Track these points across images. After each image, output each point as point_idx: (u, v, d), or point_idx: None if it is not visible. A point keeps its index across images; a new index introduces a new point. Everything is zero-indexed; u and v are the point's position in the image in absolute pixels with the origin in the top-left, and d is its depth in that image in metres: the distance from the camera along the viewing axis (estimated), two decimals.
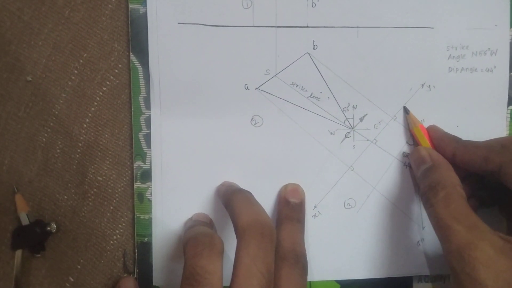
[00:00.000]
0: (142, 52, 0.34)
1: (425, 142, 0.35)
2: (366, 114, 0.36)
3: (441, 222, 0.29)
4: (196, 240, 0.28)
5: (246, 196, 0.31)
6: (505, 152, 0.31)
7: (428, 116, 0.37)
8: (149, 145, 0.35)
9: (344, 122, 0.36)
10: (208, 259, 0.27)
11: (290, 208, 0.34)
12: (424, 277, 0.38)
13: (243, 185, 0.34)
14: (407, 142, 0.37)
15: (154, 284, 0.35)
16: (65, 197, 0.35)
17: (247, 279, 0.26)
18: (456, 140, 0.34)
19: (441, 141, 0.35)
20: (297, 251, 0.31)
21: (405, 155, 0.37)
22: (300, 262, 0.31)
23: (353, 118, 0.36)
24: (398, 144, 0.37)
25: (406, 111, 0.36)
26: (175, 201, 0.35)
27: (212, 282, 0.26)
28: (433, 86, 0.36)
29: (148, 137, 0.35)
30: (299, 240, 0.33)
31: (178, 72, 0.34)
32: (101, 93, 0.35)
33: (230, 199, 0.31)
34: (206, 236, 0.29)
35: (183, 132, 0.35)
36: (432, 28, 0.36)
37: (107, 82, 0.35)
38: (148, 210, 0.35)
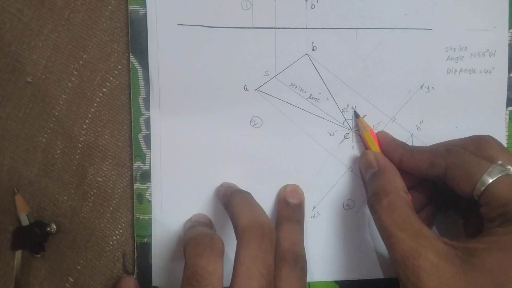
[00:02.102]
0: (141, 53, 0.34)
1: (375, 146, 0.35)
2: (365, 115, 0.36)
3: (386, 230, 0.29)
4: (196, 240, 0.28)
5: (245, 197, 0.32)
6: (449, 155, 0.31)
7: (427, 117, 0.37)
8: (148, 146, 0.35)
9: (343, 123, 0.36)
10: (208, 259, 0.27)
11: (290, 208, 0.34)
12: None
13: (242, 186, 0.35)
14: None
15: (153, 284, 0.35)
16: (65, 197, 0.35)
17: (247, 280, 0.26)
18: (403, 146, 0.34)
19: (388, 146, 0.34)
20: (297, 252, 0.32)
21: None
22: (299, 263, 0.31)
23: (352, 119, 0.36)
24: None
25: (356, 115, 0.36)
26: (175, 202, 0.35)
27: (213, 282, 0.26)
28: (432, 87, 0.37)
29: (147, 138, 0.35)
30: (299, 240, 0.33)
31: (178, 73, 0.34)
32: (100, 94, 0.35)
33: (230, 200, 0.31)
34: (206, 236, 0.29)
35: (182, 133, 0.35)
36: (431, 29, 0.36)
37: (107, 83, 0.35)
38: (148, 211, 0.35)
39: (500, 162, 0.29)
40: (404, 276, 0.27)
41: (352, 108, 0.36)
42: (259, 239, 0.27)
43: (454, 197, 0.32)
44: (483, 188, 0.28)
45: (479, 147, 0.31)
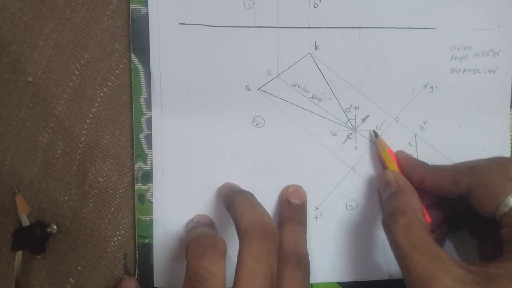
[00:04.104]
0: (143, 52, 0.34)
1: (393, 166, 0.34)
2: (368, 115, 0.36)
3: (402, 251, 0.28)
4: (198, 241, 0.28)
5: (247, 197, 0.31)
6: (472, 173, 0.30)
7: (430, 117, 0.36)
8: (150, 146, 0.34)
9: (346, 123, 0.36)
10: (210, 260, 0.27)
11: (292, 209, 0.34)
12: None
13: (244, 186, 0.34)
14: (409, 143, 0.36)
15: (155, 285, 0.35)
16: (66, 198, 0.35)
17: (250, 281, 0.26)
18: (424, 165, 0.34)
19: (408, 166, 0.34)
20: (299, 252, 0.31)
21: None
22: (302, 263, 0.31)
23: (355, 119, 0.36)
24: (400, 145, 0.36)
25: (375, 135, 0.36)
26: (176, 202, 0.35)
27: (215, 283, 0.26)
28: (436, 87, 0.36)
29: (149, 138, 0.34)
30: (301, 241, 0.33)
31: (179, 73, 0.34)
32: (102, 94, 0.34)
33: (232, 200, 0.31)
34: (208, 237, 0.28)
35: (184, 133, 0.35)
36: (435, 29, 0.36)
37: (108, 83, 0.34)
38: (149, 211, 0.35)
39: None
40: None
41: (355, 108, 0.36)
42: (261, 240, 0.27)
43: (470, 216, 0.31)
44: (506, 210, 0.28)
45: (502, 168, 0.31)
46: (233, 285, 0.26)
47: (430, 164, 0.34)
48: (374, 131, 0.36)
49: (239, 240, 0.28)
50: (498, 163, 0.31)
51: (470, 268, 0.27)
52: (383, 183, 0.34)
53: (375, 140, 0.36)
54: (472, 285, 0.26)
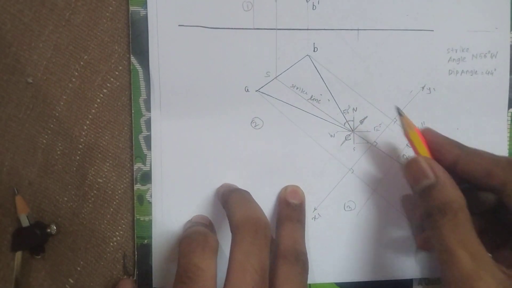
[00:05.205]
0: (142, 54, 0.34)
1: (423, 149, 0.31)
2: (366, 117, 0.36)
3: (446, 246, 0.27)
4: (190, 238, 0.28)
5: (242, 195, 0.32)
6: (511, 169, 0.28)
7: (428, 119, 0.36)
8: (149, 147, 0.35)
9: (344, 125, 0.36)
10: (201, 256, 0.27)
11: (291, 208, 0.34)
12: (424, 280, 0.38)
13: (243, 187, 0.34)
14: (407, 145, 0.36)
15: (153, 286, 0.35)
16: (65, 199, 0.35)
17: (240, 276, 0.26)
18: (459, 146, 0.31)
19: (441, 147, 0.31)
20: (297, 250, 0.31)
21: (405, 158, 0.36)
22: (300, 260, 0.31)
23: (353, 121, 0.36)
24: (399, 147, 0.37)
25: (399, 112, 0.33)
26: (175, 203, 0.35)
27: (205, 279, 0.26)
28: (433, 88, 0.36)
29: (148, 139, 0.35)
30: (299, 239, 0.33)
31: (179, 74, 0.34)
32: (101, 95, 0.35)
33: (227, 198, 0.31)
34: (199, 234, 0.29)
35: (183, 134, 0.35)
36: (432, 30, 0.36)
37: (108, 84, 0.35)
38: (148, 212, 0.35)
39: None
40: None
41: (354, 109, 0.36)
42: (252, 235, 0.27)
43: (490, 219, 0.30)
44: None
45: None
46: (225, 280, 0.26)
47: (466, 146, 0.31)
48: (398, 108, 0.33)
49: (232, 235, 0.28)
50: None
51: (508, 272, 0.26)
52: (417, 172, 0.30)
53: (400, 119, 0.32)
54: None
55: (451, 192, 0.29)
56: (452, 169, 0.30)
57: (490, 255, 0.27)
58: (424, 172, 0.30)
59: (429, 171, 0.29)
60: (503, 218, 0.32)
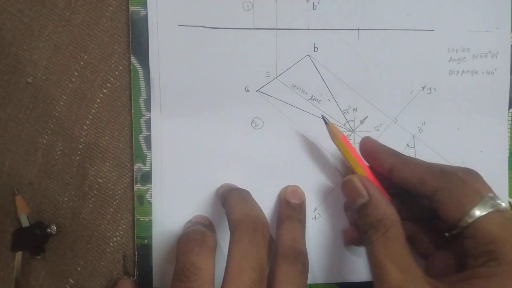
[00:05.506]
0: (142, 54, 0.34)
1: (348, 154, 0.32)
2: (367, 117, 0.36)
3: (376, 260, 0.28)
4: (187, 237, 0.28)
5: (241, 194, 0.32)
6: (443, 178, 0.29)
7: (429, 119, 0.36)
8: (149, 147, 0.35)
9: (345, 125, 0.36)
10: (198, 255, 0.27)
11: (291, 208, 0.34)
12: None
13: (243, 187, 0.34)
14: (407, 145, 0.37)
15: (154, 286, 0.35)
16: (65, 199, 0.35)
17: (238, 274, 0.26)
18: (395, 154, 0.32)
19: (378, 155, 0.32)
20: (297, 249, 0.31)
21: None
22: (300, 259, 0.31)
23: (353, 121, 0.36)
24: (399, 147, 0.36)
25: (325, 120, 0.33)
26: (175, 203, 0.35)
27: (202, 277, 0.26)
28: (434, 88, 0.36)
29: (148, 139, 0.35)
30: (299, 238, 0.33)
31: (179, 74, 0.34)
32: (101, 95, 0.35)
33: (226, 197, 0.31)
34: (197, 233, 0.29)
35: (183, 134, 0.35)
36: (433, 30, 0.36)
37: (108, 84, 0.35)
38: (148, 212, 0.35)
39: (491, 194, 0.28)
40: None
41: (354, 109, 0.36)
42: (250, 234, 0.27)
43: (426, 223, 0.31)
44: (471, 220, 0.27)
45: (471, 178, 0.30)
46: (223, 279, 0.26)
47: (402, 154, 0.33)
48: (324, 117, 0.33)
49: (230, 234, 0.28)
50: (468, 173, 0.30)
51: (438, 285, 0.27)
52: (352, 192, 0.31)
53: (326, 127, 0.33)
54: None
55: (384, 210, 0.30)
56: (387, 176, 0.32)
57: (421, 267, 0.28)
58: (358, 191, 0.31)
59: (363, 190, 0.31)
60: (437, 224, 0.33)
